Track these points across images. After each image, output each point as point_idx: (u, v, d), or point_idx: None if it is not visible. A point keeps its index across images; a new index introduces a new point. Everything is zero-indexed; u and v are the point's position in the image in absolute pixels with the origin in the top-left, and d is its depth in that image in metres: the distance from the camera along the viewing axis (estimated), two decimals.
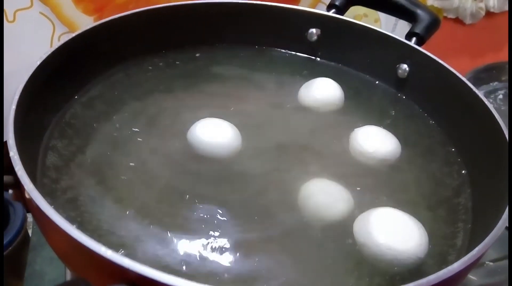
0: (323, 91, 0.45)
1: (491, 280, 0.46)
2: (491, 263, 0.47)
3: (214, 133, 0.38)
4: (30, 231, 0.62)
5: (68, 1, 0.62)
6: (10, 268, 0.57)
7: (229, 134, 0.38)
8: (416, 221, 0.33)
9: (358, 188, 0.36)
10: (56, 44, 0.38)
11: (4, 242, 0.58)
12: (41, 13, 0.62)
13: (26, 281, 0.47)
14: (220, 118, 0.40)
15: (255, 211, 0.34)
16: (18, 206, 0.61)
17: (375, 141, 0.40)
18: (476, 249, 0.26)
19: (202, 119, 0.39)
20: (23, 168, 0.26)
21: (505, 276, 0.46)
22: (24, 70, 0.50)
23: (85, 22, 0.64)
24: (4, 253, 0.57)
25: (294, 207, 0.35)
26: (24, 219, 0.62)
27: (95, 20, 0.64)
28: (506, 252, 0.47)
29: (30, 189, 0.25)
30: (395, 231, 0.32)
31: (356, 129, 0.42)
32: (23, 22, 0.61)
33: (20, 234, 0.60)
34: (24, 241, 0.60)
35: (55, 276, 0.46)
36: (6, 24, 0.60)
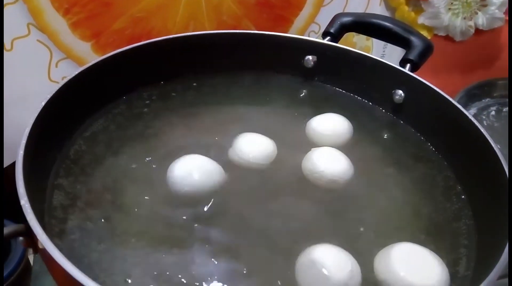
0: (331, 127, 0.45)
1: None
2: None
3: (188, 174, 0.37)
4: (31, 259, 0.62)
5: (65, 28, 0.62)
6: None
7: (207, 174, 0.38)
8: (437, 257, 0.33)
9: (362, 229, 0.37)
10: (61, 78, 0.39)
11: (6, 272, 0.57)
12: (38, 40, 0.62)
13: None
14: (212, 152, 0.41)
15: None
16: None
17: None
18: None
19: (181, 158, 0.39)
20: (35, 218, 0.26)
21: None
22: (24, 98, 0.50)
23: (83, 48, 0.64)
24: (6, 283, 0.57)
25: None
26: (26, 248, 0.62)
27: (92, 46, 0.65)
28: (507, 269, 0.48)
29: (44, 240, 0.25)
30: (416, 268, 0.32)
31: (313, 149, 0.42)
32: (21, 50, 0.61)
33: (21, 263, 0.60)
34: (26, 269, 0.60)
35: None
36: (4, 53, 0.60)
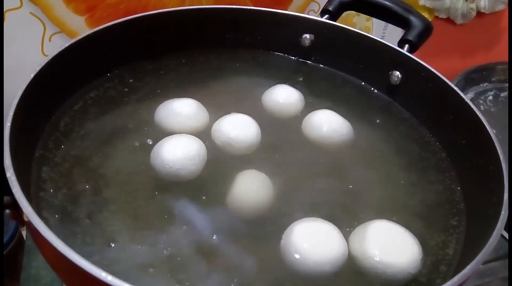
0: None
1: (481, 281, 0.47)
2: (480, 265, 0.48)
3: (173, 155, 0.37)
4: (24, 234, 0.62)
5: (58, 0, 0.61)
6: (6, 272, 0.57)
7: (191, 155, 0.37)
8: (412, 236, 0.34)
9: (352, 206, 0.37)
10: (49, 55, 0.38)
11: None
12: (31, 13, 0.61)
13: (22, 285, 0.47)
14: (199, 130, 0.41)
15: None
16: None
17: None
18: (468, 267, 0.27)
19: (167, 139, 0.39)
20: (21, 190, 0.26)
21: (494, 277, 0.47)
22: (16, 71, 0.50)
23: (76, 22, 0.63)
24: None
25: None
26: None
27: (87, 20, 0.64)
28: (495, 254, 0.49)
29: (29, 213, 0.25)
30: (388, 246, 0.32)
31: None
32: (13, 22, 0.60)
33: (14, 237, 0.60)
34: (19, 244, 0.60)
35: (51, 280, 0.47)
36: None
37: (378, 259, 0.31)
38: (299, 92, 0.47)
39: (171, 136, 0.39)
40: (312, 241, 0.32)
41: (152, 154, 0.37)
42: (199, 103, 0.43)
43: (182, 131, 0.40)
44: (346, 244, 0.33)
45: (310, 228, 0.33)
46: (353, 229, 0.34)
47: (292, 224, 0.33)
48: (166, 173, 0.36)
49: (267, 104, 0.46)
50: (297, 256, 0.31)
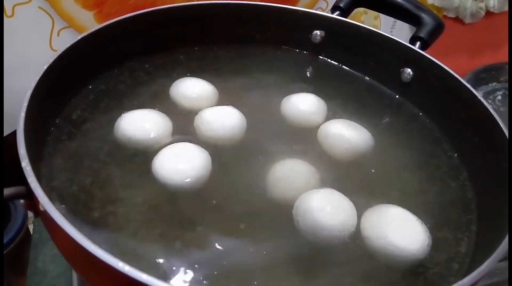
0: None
1: (489, 281, 0.47)
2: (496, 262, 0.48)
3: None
4: (31, 228, 0.62)
5: None
6: (12, 266, 0.57)
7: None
8: (422, 223, 0.34)
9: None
10: (62, 47, 0.38)
11: (6, 239, 0.58)
12: (40, 7, 0.61)
13: (28, 279, 0.47)
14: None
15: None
16: (19, 203, 0.61)
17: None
18: (485, 263, 0.27)
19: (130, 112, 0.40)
20: (36, 180, 0.26)
21: (503, 277, 0.47)
22: (24, 65, 0.50)
23: (85, 17, 0.63)
24: (6, 250, 0.57)
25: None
26: (25, 216, 0.62)
27: (95, 15, 0.64)
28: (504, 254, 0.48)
29: (45, 202, 0.25)
30: (398, 228, 0.33)
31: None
32: (22, 17, 0.60)
33: (21, 231, 0.60)
34: (26, 238, 0.60)
35: (58, 273, 0.47)
36: (5, 19, 0.59)
37: (387, 240, 0.32)
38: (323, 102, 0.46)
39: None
40: (327, 206, 0.33)
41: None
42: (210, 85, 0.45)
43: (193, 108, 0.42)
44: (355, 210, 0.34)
45: (322, 195, 0.34)
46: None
47: (301, 196, 0.35)
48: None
49: (287, 111, 0.45)
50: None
